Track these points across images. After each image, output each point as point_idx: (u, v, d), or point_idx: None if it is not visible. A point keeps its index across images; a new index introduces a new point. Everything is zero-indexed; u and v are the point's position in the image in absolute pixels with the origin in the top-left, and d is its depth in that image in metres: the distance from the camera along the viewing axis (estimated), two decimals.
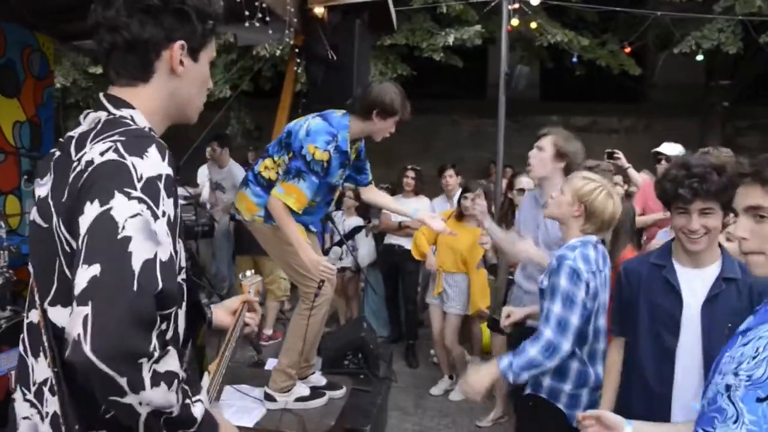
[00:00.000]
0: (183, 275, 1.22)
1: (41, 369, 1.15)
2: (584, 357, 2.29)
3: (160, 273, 1.02)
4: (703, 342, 2.01)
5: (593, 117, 11.50)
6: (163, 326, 1.09)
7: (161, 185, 1.07)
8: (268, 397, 2.89)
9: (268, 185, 2.84)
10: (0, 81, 4.78)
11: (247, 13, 3.82)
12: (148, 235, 1.02)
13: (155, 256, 1.02)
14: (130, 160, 1.06)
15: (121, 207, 1.01)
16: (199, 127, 5.69)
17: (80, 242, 1.01)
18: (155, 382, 0.98)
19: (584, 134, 11.55)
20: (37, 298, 1.15)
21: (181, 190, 5.83)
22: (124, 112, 1.18)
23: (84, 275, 0.97)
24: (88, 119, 1.18)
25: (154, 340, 0.99)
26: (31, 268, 1.20)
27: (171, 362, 1.03)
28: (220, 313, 1.61)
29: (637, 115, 11.58)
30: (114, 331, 0.94)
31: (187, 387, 1.10)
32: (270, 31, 4.17)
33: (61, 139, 1.19)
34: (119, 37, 1.17)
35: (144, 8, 1.17)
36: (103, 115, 1.17)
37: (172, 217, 1.09)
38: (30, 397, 1.16)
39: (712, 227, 2.01)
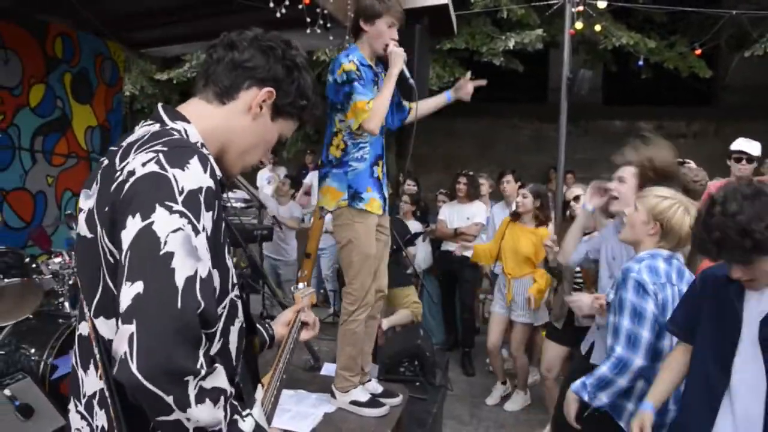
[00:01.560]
0: (236, 291, 1.21)
1: (91, 381, 1.16)
2: (651, 375, 2.18)
3: (200, 290, 1.00)
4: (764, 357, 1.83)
5: (659, 121, 11.06)
6: (210, 344, 1.08)
7: (201, 198, 1.06)
8: (333, 394, 2.96)
9: (339, 159, 2.85)
10: (75, 88, 5.01)
11: (308, 19, 3.85)
12: (189, 251, 1.01)
13: (196, 272, 1.01)
14: (171, 172, 1.05)
15: (163, 221, 1.00)
16: None
17: (123, 258, 1.01)
18: (200, 399, 0.97)
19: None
20: (86, 310, 1.16)
21: (242, 193, 5.98)
22: (178, 125, 1.18)
23: (128, 293, 0.97)
24: (141, 130, 1.19)
25: (201, 358, 0.98)
26: (79, 281, 1.22)
27: (218, 379, 1.02)
28: (279, 329, 1.64)
29: (707, 119, 11.07)
30: (159, 349, 0.94)
31: (236, 403, 1.09)
32: (330, 37, 4.20)
33: (112, 147, 1.19)
34: (231, 54, 1.23)
35: (264, 48, 1.24)
36: (155, 127, 1.18)
37: (209, 232, 1.07)
38: (81, 409, 1.18)
39: (755, 276, 1.78)
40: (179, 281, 0.97)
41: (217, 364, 1.03)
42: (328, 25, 4.01)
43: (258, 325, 1.57)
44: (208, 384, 0.99)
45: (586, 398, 2.16)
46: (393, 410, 2.94)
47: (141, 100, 9.42)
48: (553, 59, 10.57)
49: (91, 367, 1.15)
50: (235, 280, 1.20)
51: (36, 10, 4.57)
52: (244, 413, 1.10)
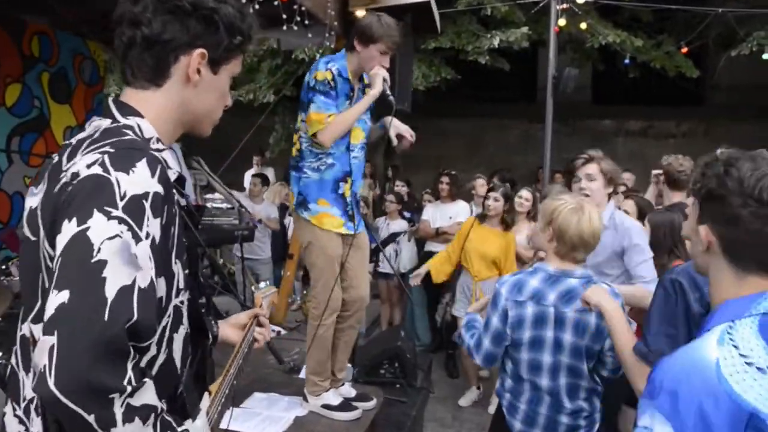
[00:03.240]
0: (182, 297, 1.15)
1: (30, 386, 1.10)
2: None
3: (137, 301, 0.94)
4: None
5: (649, 121, 11.08)
6: (142, 356, 1.01)
7: (147, 204, 0.99)
8: (304, 397, 2.93)
9: (296, 165, 2.85)
10: (53, 87, 4.94)
11: (285, 16, 3.80)
12: (126, 260, 0.94)
13: (133, 282, 0.94)
14: (114, 175, 0.98)
15: (99, 227, 0.94)
16: (244, 130, 5.75)
17: (54, 264, 0.95)
18: (128, 418, 0.90)
19: (640, 139, 11.20)
20: (26, 315, 1.10)
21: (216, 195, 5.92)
22: (131, 121, 1.12)
23: (53, 302, 0.90)
24: (92, 126, 1.12)
25: (129, 373, 0.91)
26: (20, 284, 1.17)
27: (147, 395, 0.95)
28: (228, 329, 1.56)
29: (697, 119, 11.09)
30: (79, 364, 0.86)
31: (170, 418, 1.02)
32: (309, 35, 4.15)
33: (65, 142, 1.13)
34: (139, 32, 1.12)
35: (171, 8, 1.12)
36: (106, 122, 1.11)
37: (157, 239, 1.00)
38: (19, 413, 1.11)
39: None
40: (109, 291, 0.91)
41: (146, 379, 0.96)
42: (307, 22, 3.97)
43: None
44: (136, 401, 0.92)
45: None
46: (366, 414, 2.90)
47: None
48: (541, 58, 10.57)
49: (32, 371, 1.09)
50: (181, 285, 1.14)
51: (12, 8, 4.49)
52: (180, 429, 1.04)
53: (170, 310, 1.10)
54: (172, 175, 1.10)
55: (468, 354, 2.33)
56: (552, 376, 2.13)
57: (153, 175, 1.02)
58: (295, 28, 3.87)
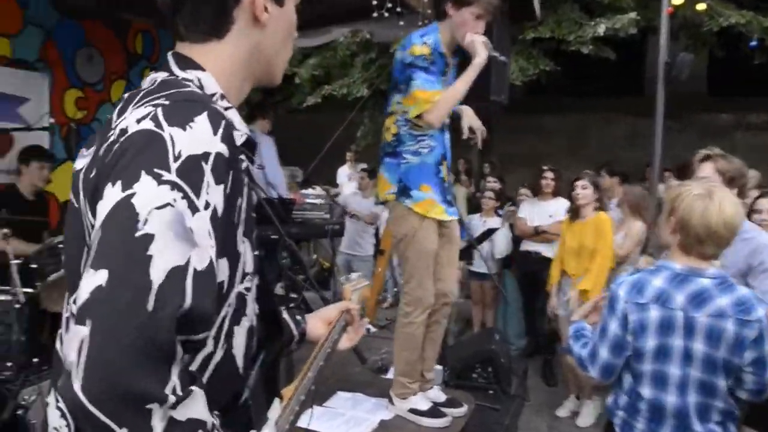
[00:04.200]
0: (247, 283, 0.98)
1: None
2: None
3: (192, 285, 0.77)
4: None
5: None
6: (195, 354, 0.86)
7: (207, 167, 0.82)
8: (391, 400, 2.78)
9: (393, 150, 2.66)
10: None
11: (375, 2, 3.67)
12: (179, 234, 0.77)
13: (187, 262, 0.77)
14: (168, 131, 0.81)
15: (147, 193, 0.77)
16: (336, 125, 5.67)
17: (93, 237, 0.79)
18: None
19: (764, 134, 10.16)
20: (68, 296, 0.96)
21: (312, 190, 5.95)
22: (190, 74, 0.96)
23: (88, 283, 0.74)
24: (147, 79, 0.98)
25: (174, 378, 0.75)
26: (64, 257, 1.05)
27: (195, 407, 0.78)
28: (316, 324, 1.37)
29: None
30: (114, 364, 0.70)
31: None
32: (401, 23, 4.00)
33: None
34: None
35: None
36: (163, 75, 0.96)
37: (219, 211, 0.83)
38: (61, 404, 0.98)
39: None
40: (156, 273, 0.74)
41: (195, 387, 0.79)
42: (398, 9, 3.82)
43: (286, 316, 1.32)
44: (181, 414, 0.75)
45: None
46: (455, 421, 2.71)
47: None
48: (650, 46, 9.85)
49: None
50: (248, 269, 0.97)
51: (118, 8, 4.69)
52: None
53: (232, 297, 0.94)
54: (240, 138, 0.93)
55: (580, 366, 2.04)
56: (680, 393, 1.82)
57: (215, 132, 0.84)
58: (386, 15, 3.73)
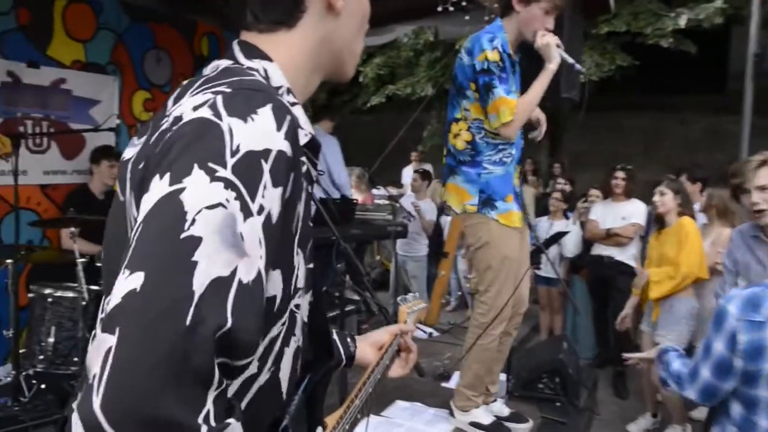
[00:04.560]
0: (298, 300, 0.88)
1: None
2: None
3: (233, 302, 0.66)
4: None
5: None
6: (233, 379, 0.75)
7: (266, 166, 0.72)
8: (451, 411, 2.66)
9: (471, 157, 2.53)
10: None
11: None
12: (228, 240, 0.67)
13: (233, 273, 0.67)
14: (227, 121, 0.72)
15: (198, 190, 0.68)
16: (401, 125, 5.58)
17: (133, 234, 0.69)
18: None
19: None
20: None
21: (376, 191, 5.88)
22: (256, 64, 0.87)
23: (122, 286, 0.65)
24: (209, 67, 0.90)
25: (209, 406, 0.63)
26: (103, 254, 0.94)
27: None
28: (366, 348, 1.26)
29: None
30: (141, 384, 0.60)
31: None
32: (467, 17, 3.87)
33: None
34: None
35: None
36: (226, 62, 0.88)
37: (274, 217, 0.73)
38: (77, 422, 0.91)
39: None
40: (199, 282, 0.64)
41: (232, 420, 0.67)
42: (464, 3, 3.68)
43: (335, 338, 1.22)
44: None
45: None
46: None
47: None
48: (735, 38, 9.22)
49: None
50: (300, 284, 0.86)
51: (185, 11, 4.78)
52: None
53: (286, 316, 0.84)
54: (303, 138, 0.83)
55: (676, 385, 1.87)
56: None
57: (279, 128, 0.74)
58: (452, 9, 3.61)
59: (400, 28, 5.50)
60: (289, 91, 0.88)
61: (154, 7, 4.53)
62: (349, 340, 1.26)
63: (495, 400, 2.71)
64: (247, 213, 0.69)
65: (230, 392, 0.77)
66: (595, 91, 8.17)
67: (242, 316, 0.66)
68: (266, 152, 0.72)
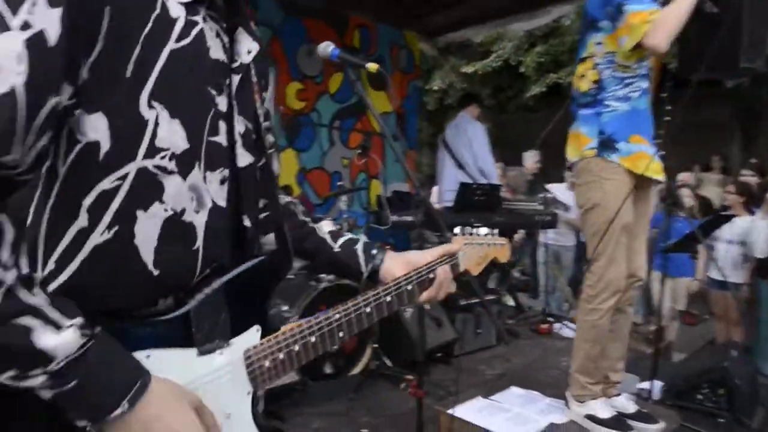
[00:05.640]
0: (164, 162, 0.81)
1: None
2: None
3: None
4: None
5: None
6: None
7: None
8: (566, 402, 2.40)
9: (593, 97, 2.27)
10: (371, 76, 5.30)
11: None
12: None
13: None
14: None
15: None
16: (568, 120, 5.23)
17: None
18: None
19: None
20: None
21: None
22: None
23: None
24: None
25: None
26: None
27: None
28: (397, 265, 1.13)
29: None
30: None
31: (38, 305, 0.69)
32: None
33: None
34: None
35: None
36: None
37: (51, 39, 0.70)
38: None
39: None
40: None
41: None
42: None
43: (358, 248, 1.15)
44: None
45: None
46: None
47: (452, 95, 9.66)
48: None
49: None
50: (164, 144, 0.79)
51: (340, 6, 4.97)
52: (63, 322, 0.70)
53: (126, 172, 0.77)
54: None
55: None
56: None
57: None
58: None
59: (557, 9, 5.18)
60: None
61: (311, 4, 4.78)
62: (375, 251, 1.16)
63: (619, 395, 2.37)
64: (2, 27, 0.67)
65: (60, 246, 0.76)
66: None
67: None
68: None
